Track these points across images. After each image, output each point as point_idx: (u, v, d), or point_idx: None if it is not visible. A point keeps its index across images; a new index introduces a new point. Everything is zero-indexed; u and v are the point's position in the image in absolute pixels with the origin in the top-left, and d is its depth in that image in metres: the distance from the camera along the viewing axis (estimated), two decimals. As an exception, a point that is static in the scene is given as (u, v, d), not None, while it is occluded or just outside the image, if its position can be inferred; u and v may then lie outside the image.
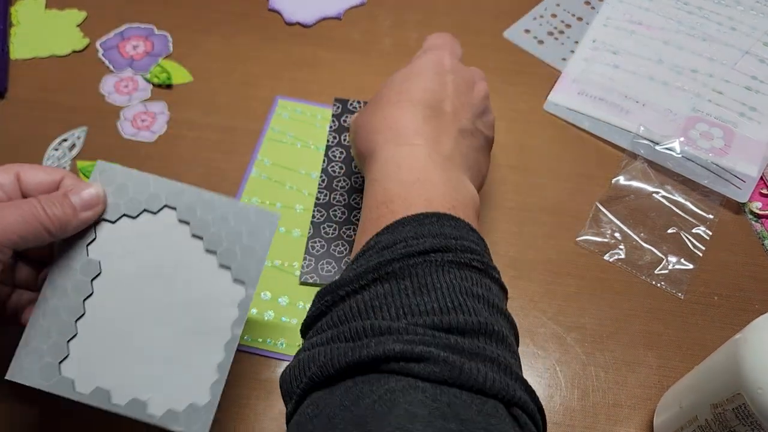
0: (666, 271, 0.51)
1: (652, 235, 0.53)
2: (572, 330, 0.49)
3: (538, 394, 0.31)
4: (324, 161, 0.56)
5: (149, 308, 0.38)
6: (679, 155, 0.57)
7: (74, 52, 0.62)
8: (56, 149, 0.56)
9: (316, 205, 0.53)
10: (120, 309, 0.38)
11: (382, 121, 0.42)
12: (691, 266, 0.52)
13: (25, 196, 0.38)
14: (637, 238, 0.53)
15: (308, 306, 0.49)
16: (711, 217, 0.54)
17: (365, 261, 0.34)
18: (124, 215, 0.40)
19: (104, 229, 0.39)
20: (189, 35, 0.64)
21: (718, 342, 0.39)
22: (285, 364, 0.46)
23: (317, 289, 0.49)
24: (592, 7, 0.69)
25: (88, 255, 0.39)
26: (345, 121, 0.58)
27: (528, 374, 0.46)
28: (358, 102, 0.59)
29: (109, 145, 0.56)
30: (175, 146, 0.57)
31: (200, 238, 0.39)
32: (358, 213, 0.53)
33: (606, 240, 0.53)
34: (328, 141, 0.57)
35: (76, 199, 0.38)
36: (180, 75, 0.61)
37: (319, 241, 0.51)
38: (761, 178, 0.57)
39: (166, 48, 0.63)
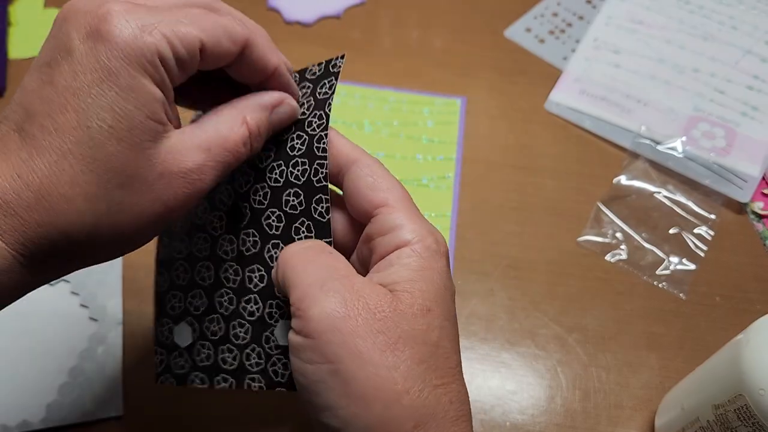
0: (668, 272, 0.51)
1: (653, 236, 0.53)
2: (573, 331, 0.49)
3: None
4: None
5: None
6: (681, 155, 0.57)
7: (73, 51, 0.62)
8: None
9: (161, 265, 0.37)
10: None
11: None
12: (692, 267, 0.51)
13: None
14: (639, 239, 0.53)
15: None
16: (713, 217, 0.54)
17: None
18: None
19: None
20: (188, 34, 0.64)
21: (720, 343, 0.39)
22: None
23: None
24: (594, 6, 0.68)
25: None
26: None
27: (529, 375, 0.46)
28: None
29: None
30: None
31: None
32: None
33: (607, 240, 0.53)
34: None
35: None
36: (179, 74, 0.61)
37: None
38: (763, 178, 0.56)
39: (165, 47, 0.63)
